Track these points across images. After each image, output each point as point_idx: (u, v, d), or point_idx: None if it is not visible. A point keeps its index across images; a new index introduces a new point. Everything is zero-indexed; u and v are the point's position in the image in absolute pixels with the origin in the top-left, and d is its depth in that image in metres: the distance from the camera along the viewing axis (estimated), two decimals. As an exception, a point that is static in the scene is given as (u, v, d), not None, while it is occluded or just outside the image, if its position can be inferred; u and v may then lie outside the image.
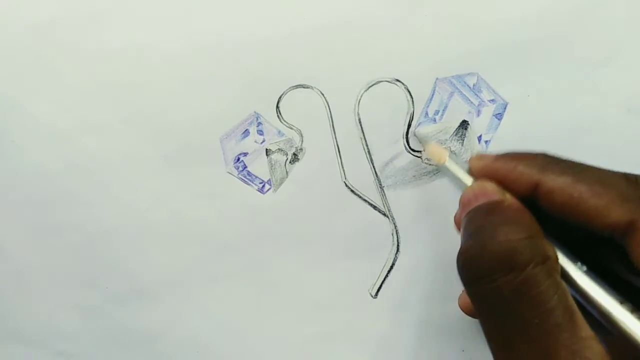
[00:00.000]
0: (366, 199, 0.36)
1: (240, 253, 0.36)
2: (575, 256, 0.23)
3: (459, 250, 0.23)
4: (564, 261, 0.23)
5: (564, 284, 0.22)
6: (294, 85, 0.35)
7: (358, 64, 0.35)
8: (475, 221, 0.24)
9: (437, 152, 0.30)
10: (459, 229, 0.26)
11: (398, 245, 0.36)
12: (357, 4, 0.34)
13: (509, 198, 0.24)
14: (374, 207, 0.36)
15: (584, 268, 0.23)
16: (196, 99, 0.35)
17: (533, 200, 0.24)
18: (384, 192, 0.36)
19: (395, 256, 0.36)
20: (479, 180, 0.26)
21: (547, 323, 0.21)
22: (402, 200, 0.36)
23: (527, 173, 0.24)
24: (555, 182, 0.23)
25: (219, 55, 0.35)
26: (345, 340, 0.36)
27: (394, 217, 0.36)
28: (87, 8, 0.35)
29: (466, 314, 0.31)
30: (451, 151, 0.29)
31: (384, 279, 0.36)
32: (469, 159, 0.27)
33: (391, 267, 0.36)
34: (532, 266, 0.21)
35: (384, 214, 0.36)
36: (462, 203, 0.25)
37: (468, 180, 0.27)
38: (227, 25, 0.35)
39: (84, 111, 0.35)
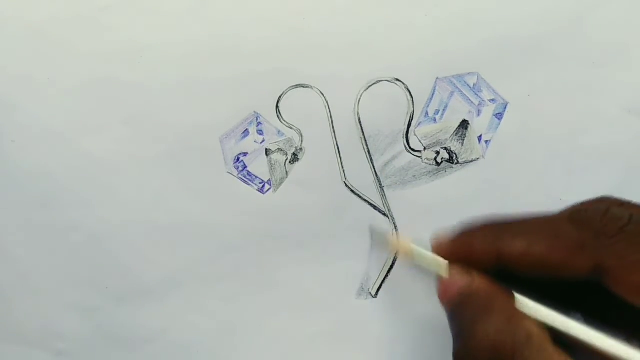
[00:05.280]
0: (366, 199, 0.36)
1: (240, 253, 0.36)
2: (564, 308, 0.23)
3: (452, 355, 0.24)
4: (556, 319, 0.23)
5: (557, 352, 0.22)
6: (293, 85, 0.35)
7: (358, 64, 0.35)
8: (454, 321, 0.25)
9: (402, 245, 0.29)
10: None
11: (398, 245, 0.36)
12: (357, 3, 0.34)
13: (476, 282, 0.25)
14: (374, 207, 0.36)
15: (579, 316, 0.23)
16: (196, 99, 0.35)
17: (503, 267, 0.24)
18: (384, 192, 0.36)
19: (395, 256, 0.36)
20: (446, 267, 0.26)
21: None
22: (402, 200, 0.36)
23: (483, 249, 0.24)
24: (511, 249, 0.23)
25: (218, 55, 0.35)
26: (345, 340, 0.36)
27: (394, 217, 0.36)
28: (87, 8, 0.35)
29: None
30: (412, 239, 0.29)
31: (384, 279, 0.36)
32: (432, 243, 0.27)
33: (391, 267, 0.36)
34: (520, 351, 0.22)
35: (384, 214, 0.36)
36: (439, 298, 0.26)
37: (437, 262, 0.27)
38: (227, 25, 0.35)
39: (84, 111, 0.35)
